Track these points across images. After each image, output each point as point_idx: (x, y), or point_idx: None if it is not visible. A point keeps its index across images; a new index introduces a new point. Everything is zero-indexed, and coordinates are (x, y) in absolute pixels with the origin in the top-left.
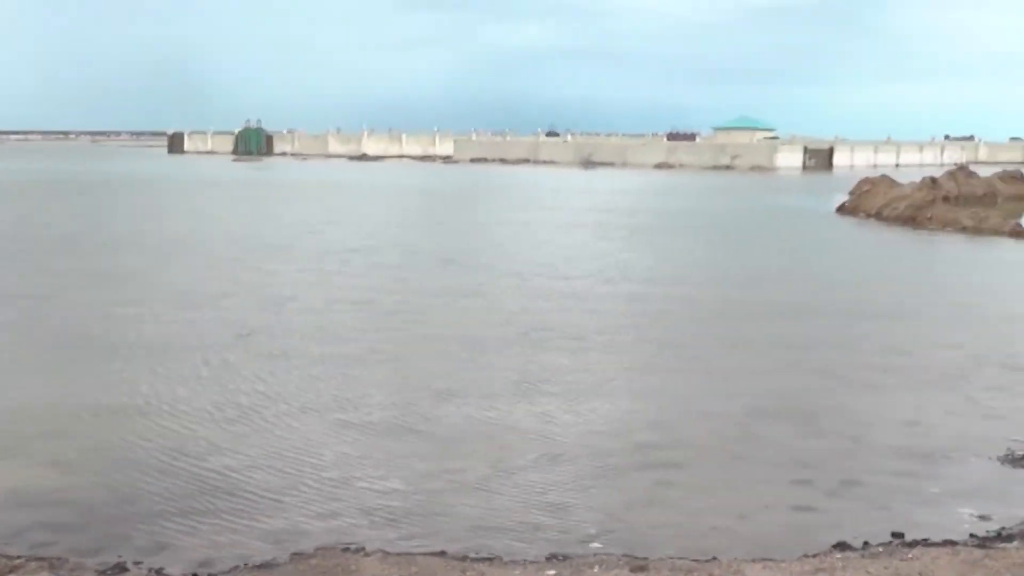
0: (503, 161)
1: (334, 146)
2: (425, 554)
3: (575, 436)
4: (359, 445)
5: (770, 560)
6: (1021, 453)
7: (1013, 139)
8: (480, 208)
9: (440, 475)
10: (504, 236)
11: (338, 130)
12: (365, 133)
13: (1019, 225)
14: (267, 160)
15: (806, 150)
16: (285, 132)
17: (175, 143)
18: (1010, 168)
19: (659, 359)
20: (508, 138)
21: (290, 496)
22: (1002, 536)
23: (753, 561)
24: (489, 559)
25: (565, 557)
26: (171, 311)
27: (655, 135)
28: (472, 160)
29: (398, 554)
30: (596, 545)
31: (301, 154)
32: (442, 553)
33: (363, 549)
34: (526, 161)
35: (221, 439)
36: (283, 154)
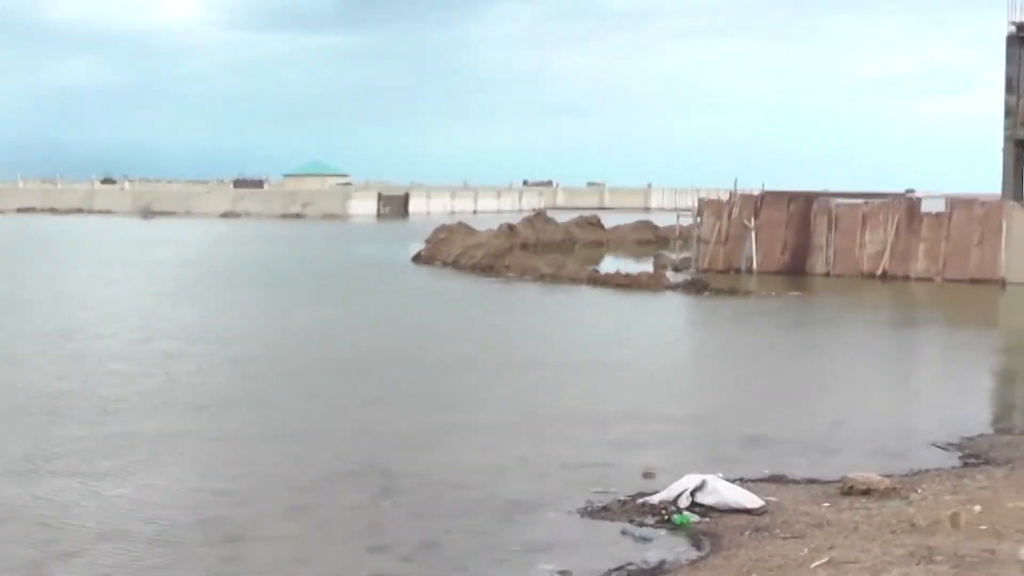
0: (54, 211)
1: None
2: None
3: (117, 515)
4: None
5: None
6: (600, 504)
7: (591, 184)
8: (15, 264)
9: None
10: (38, 295)
11: None
12: None
13: (596, 271)
14: None
15: (380, 196)
16: None
17: None
18: (587, 214)
19: (199, 424)
20: (59, 186)
21: None
22: None
23: None
24: None
25: None
26: None
27: (221, 182)
28: (19, 210)
29: None
30: None
31: None
32: None
33: None
34: (80, 211)
35: None
36: None
